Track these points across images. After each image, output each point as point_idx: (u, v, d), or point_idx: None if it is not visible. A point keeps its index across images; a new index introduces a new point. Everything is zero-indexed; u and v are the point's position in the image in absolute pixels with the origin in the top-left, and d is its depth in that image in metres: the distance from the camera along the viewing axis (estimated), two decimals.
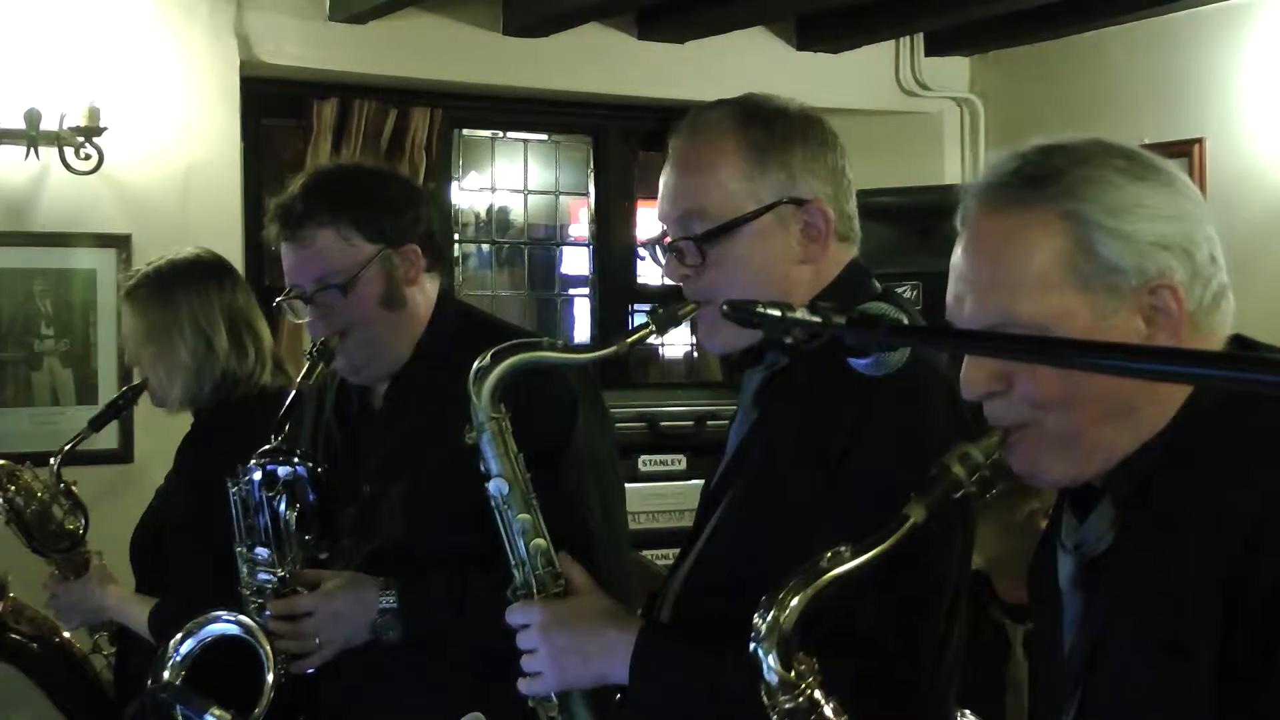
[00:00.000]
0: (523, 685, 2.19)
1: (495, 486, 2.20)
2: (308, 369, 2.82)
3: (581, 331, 7.12)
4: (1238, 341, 1.66)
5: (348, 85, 6.02)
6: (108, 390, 5.17)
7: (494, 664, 2.39)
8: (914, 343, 1.49)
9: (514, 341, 2.20)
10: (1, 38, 5.09)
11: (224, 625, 2.54)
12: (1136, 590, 1.59)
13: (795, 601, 1.64)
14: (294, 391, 2.83)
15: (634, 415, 6.03)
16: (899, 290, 5.46)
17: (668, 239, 2.22)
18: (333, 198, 2.81)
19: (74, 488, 3.60)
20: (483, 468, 2.21)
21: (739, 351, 2.26)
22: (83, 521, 3.57)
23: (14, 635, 3.57)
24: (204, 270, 3.45)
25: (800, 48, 6.72)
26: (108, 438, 5.08)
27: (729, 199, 2.15)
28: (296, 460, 2.82)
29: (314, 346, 2.84)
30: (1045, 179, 1.64)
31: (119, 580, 3.53)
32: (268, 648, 2.51)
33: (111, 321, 5.08)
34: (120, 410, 3.68)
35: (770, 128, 2.19)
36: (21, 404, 5.25)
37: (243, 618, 2.63)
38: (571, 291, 7.15)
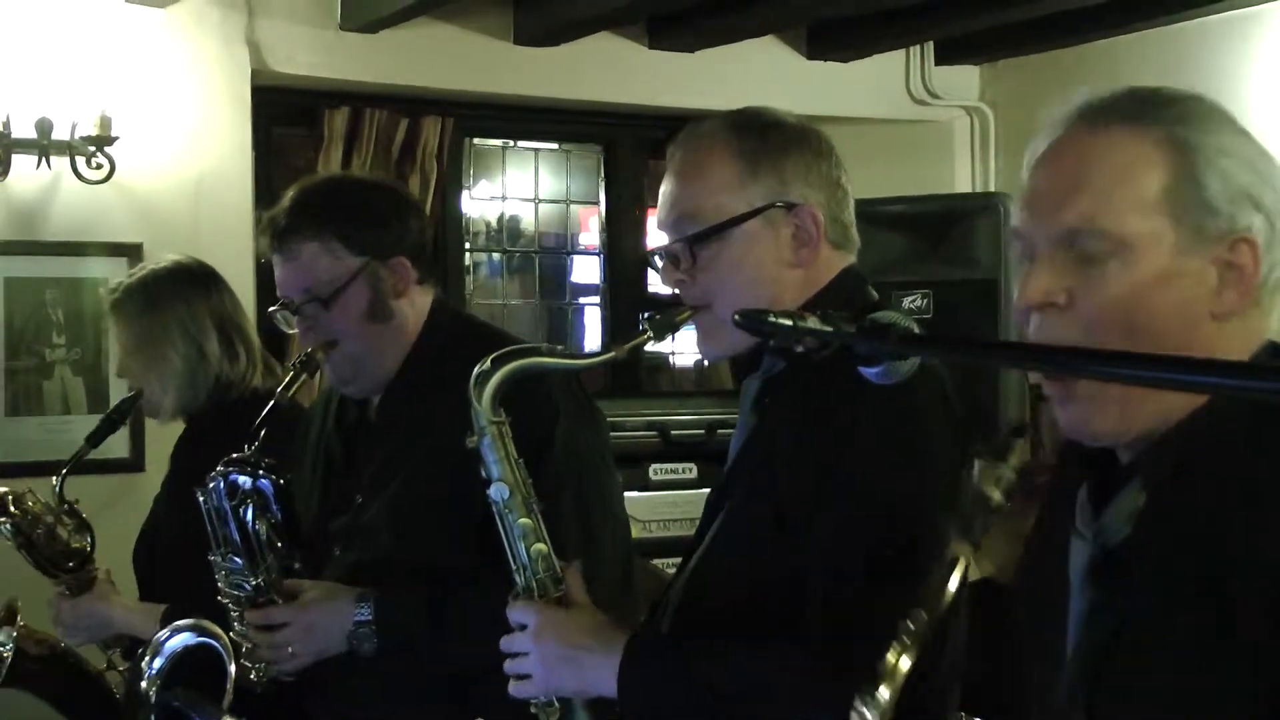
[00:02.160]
0: (513, 688, 2.22)
1: (496, 491, 2.22)
2: (288, 381, 2.85)
3: (592, 340, 7.13)
4: (1274, 347, 1.61)
5: (359, 94, 6.03)
6: (118, 399, 5.17)
7: (475, 675, 2.42)
8: (925, 352, 1.47)
9: (513, 347, 2.23)
10: (13, 47, 5.10)
11: (186, 636, 2.55)
12: (1168, 581, 1.51)
13: (904, 664, 1.56)
14: (272, 402, 2.85)
15: (644, 424, 6.04)
16: (909, 299, 5.48)
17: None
18: (318, 211, 2.83)
19: (77, 505, 3.58)
20: (483, 472, 2.23)
21: (737, 359, 2.29)
22: (89, 540, 3.56)
23: (28, 663, 3.55)
24: (188, 277, 3.48)
25: (811, 56, 6.72)
26: (119, 447, 5.09)
27: (721, 203, 2.20)
28: (261, 473, 2.83)
29: (298, 358, 2.86)
30: (1157, 103, 1.59)
31: (122, 592, 3.52)
32: (229, 649, 2.53)
33: None
34: (117, 424, 3.67)
35: (764, 136, 2.23)
36: (33, 413, 5.26)
37: (189, 622, 2.64)
38: (582, 300, 7.16)
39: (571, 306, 7.17)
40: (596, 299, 7.09)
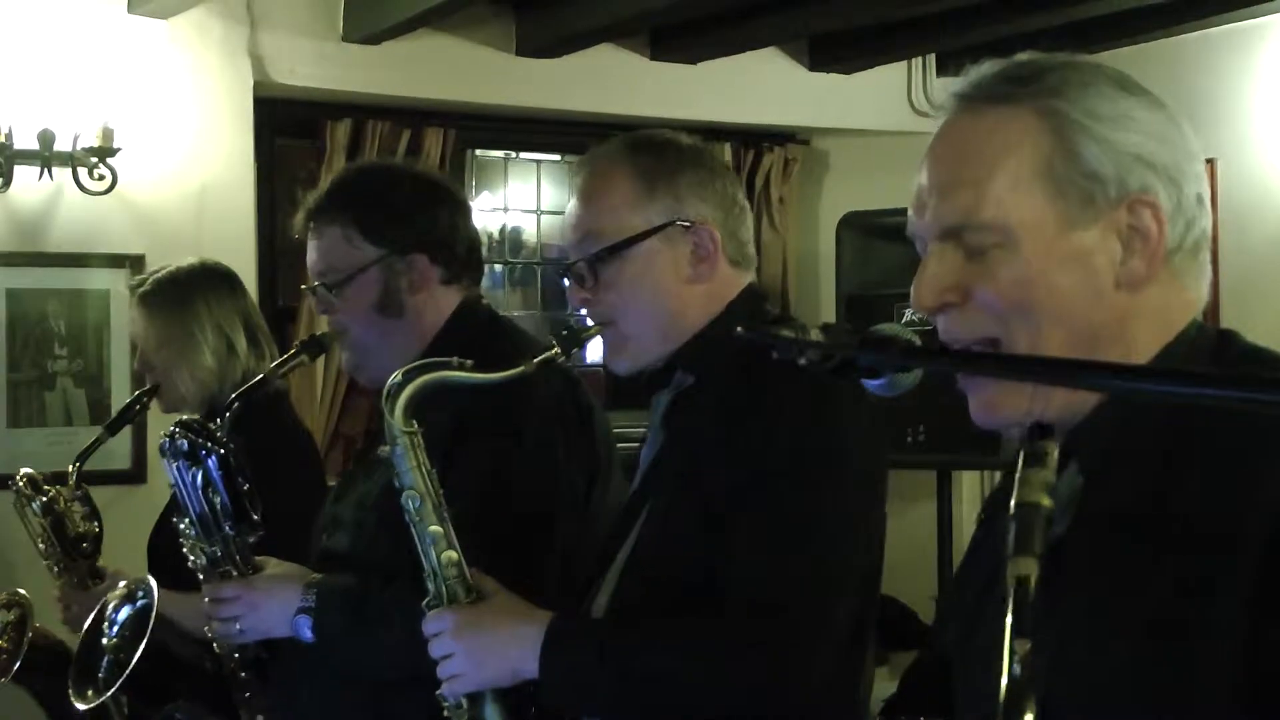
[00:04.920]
0: (445, 689, 2.26)
1: (408, 499, 2.29)
2: (282, 360, 2.89)
3: (593, 351, 7.11)
4: (1222, 337, 1.53)
5: (361, 105, 6.04)
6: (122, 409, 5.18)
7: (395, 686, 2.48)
8: (923, 364, 1.46)
9: (425, 361, 2.31)
10: (15, 58, 5.11)
11: (127, 608, 2.61)
12: (1114, 577, 1.40)
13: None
14: (260, 376, 2.94)
15: (643, 435, 6.03)
16: (910, 310, 5.49)
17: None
18: (345, 196, 2.84)
19: (87, 491, 3.64)
20: (395, 482, 2.30)
21: (651, 374, 2.38)
22: (98, 525, 3.60)
23: (38, 655, 3.56)
24: (216, 275, 3.55)
25: (813, 68, 6.72)
26: (121, 458, 5.09)
27: (620, 223, 2.30)
28: (211, 447, 2.80)
29: (303, 339, 2.90)
30: (1027, 78, 1.56)
31: None
32: (154, 598, 2.57)
33: (125, 342, 5.08)
34: (134, 415, 3.71)
35: (659, 155, 2.33)
36: (35, 424, 5.26)
37: (123, 591, 2.67)
38: (584, 312, 7.14)
39: (573, 317, 7.17)
40: None
